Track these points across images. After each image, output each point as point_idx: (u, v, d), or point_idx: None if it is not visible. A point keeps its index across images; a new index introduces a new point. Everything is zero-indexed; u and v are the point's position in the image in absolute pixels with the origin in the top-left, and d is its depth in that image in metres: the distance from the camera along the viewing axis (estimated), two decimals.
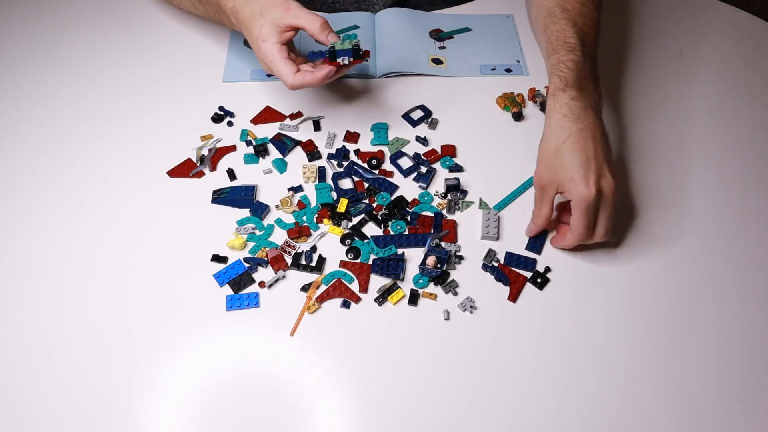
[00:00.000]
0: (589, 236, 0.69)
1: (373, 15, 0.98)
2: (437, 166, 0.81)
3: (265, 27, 0.75)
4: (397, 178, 0.80)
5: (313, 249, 0.73)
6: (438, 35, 0.96)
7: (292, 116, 0.87)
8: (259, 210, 0.76)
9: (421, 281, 0.71)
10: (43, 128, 0.85)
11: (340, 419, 0.62)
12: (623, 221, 0.76)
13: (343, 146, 0.83)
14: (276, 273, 0.71)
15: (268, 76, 0.90)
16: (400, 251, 0.73)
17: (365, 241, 0.74)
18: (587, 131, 0.69)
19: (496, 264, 0.72)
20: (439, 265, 0.70)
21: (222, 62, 0.93)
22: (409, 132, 0.85)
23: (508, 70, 0.92)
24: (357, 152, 0.82)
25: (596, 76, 0.76)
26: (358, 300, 0.70)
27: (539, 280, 0.71)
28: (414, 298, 0.70)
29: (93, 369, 0.65)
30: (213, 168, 0.81)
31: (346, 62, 0.76)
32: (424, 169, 0.80)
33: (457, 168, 0.81)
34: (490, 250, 0.73)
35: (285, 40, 0.76)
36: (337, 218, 0.75)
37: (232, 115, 0.86)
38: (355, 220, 0.76)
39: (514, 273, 0.72)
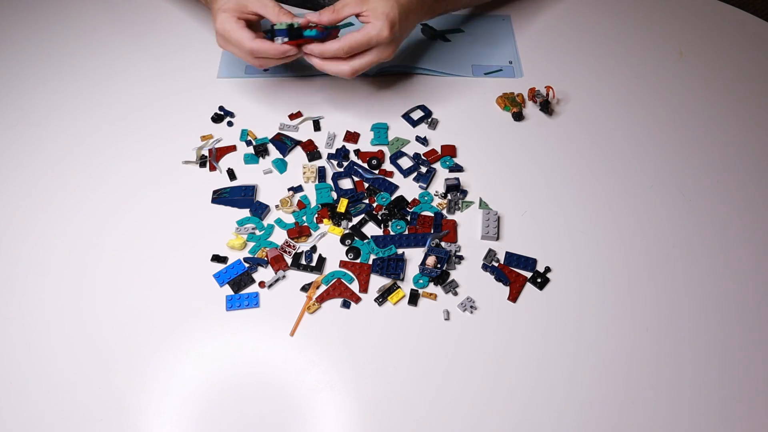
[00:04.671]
0: (344, 62, 0.77)
1: None
2: (437, 166, 0.81)
3: (231, 2, 0.77)
4: (397, 178, 0.80)
5: (313, 249, 0.73)
6: (431, 33, 0.96)
7: (292, 116, 0.87)
8: (259, 210, 0.76)
9: (421, 281, 0.71)
10: (39, 127, 0.85)
11: (340, 419, 0.62)
12: (623, 220, 0.77)
13: (343, 146, 0.83)
14: (276, 273, 0.71)
15: (265, 71, 0.91)
16: (400, 251, 0.73)
17: (365, 241, 0.74)
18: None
19: (496, 264, 0.72)
20: (439, 265, 0.70)
21: (216, 59, 0.93)
22: (409, 132, 0.85)
23: (500, 71, 0.92)
24: (357, 152, 0.82)
25: None
26: (358, 300, 0.70)
27: (539, 280, 0.71)
28: (414, 298, 0.70)
29: (93, 369, 0.65)
30: (213, 168, 0.81)
31: (281, 42, 0.76)
32: (424, 169, 0.80)
33: (457, 168, 0.81)
34: (490, 250, 0.73)
35: (243, 18, 0.78)
36: (337, 218, 0.75)
37: (232, 115, 0.86)
38: (355, 220, 0.76)
39: (514, 273, 0.72)
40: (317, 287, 0.70)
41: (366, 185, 0.79)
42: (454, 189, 0.78)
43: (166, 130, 0.85)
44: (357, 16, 0.78)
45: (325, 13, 0.78)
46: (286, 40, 0.76)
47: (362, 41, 0.76)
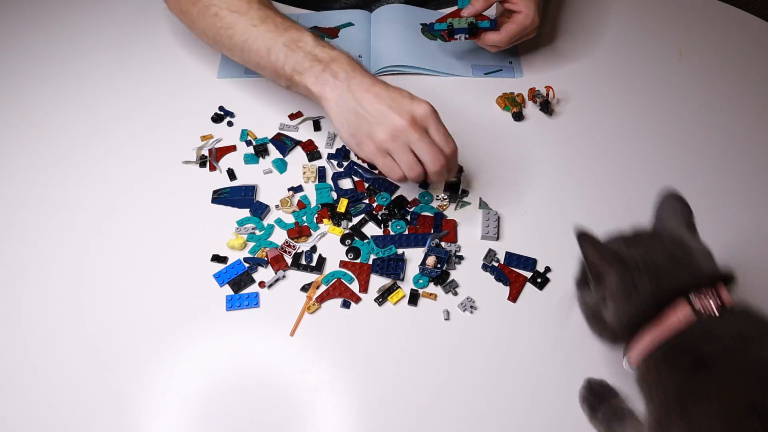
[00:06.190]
0: (505, 44, 0.86)
1: (369, 13, 0.98)
2: None
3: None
4: None
5: (313, 249, 0.73)
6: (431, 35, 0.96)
7: (292, 116, 0.87)
8: (259, 210, 0.76)
9: (421, 281, 0.71)
10: (39, 127, 0.85)
11: (340, 419, 0.62)
12: (623, 220, 0.76)
13: (343, 146, 0.83)
14: (276, 273, 0.71)
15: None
16: (400, 251, 0.73)
17: (365, 241, 0.74)
18: None
19: (496, 264, 0.72)
20: (439, 265, 0.70)
21: (216, 59, 0.93)
22: None
23: (500, 71, 0.92)
24: None
25: None
26: (358, 300, 0.70)
27: (539, 280, 0.71)
28: (414, 298, 0.70)
29: (93, 369, 0.65)
30: (213, 168, 0.81)
31: (463, 39, 0.86)
32: None
33: (457, 168, 0.81)
34: (490, 250, 0.73)
35: None
36: (337, 218, 0.75)
37: (232, 115, 0.86)
38: (355, 220, 0.76)
39: (514, 273, 0.72)
40: (317, 287, 0.70)
41: (366, 185, 0.79)
42: (454, 189, 0.78)
43: (166, 130, 0.85)
44: (502, 2, 0.85)
45: (476, 3, 0.84)
46: (466, 36, 0.85)
47: (519, 30, 0.84)
